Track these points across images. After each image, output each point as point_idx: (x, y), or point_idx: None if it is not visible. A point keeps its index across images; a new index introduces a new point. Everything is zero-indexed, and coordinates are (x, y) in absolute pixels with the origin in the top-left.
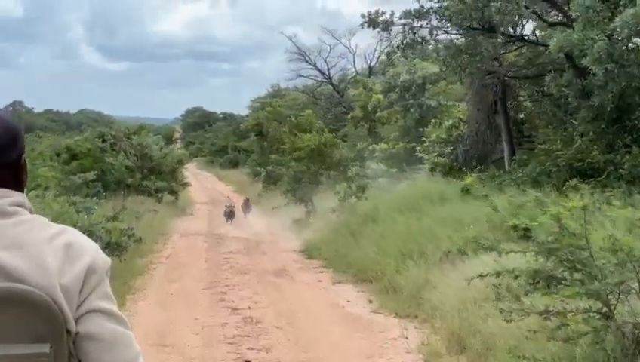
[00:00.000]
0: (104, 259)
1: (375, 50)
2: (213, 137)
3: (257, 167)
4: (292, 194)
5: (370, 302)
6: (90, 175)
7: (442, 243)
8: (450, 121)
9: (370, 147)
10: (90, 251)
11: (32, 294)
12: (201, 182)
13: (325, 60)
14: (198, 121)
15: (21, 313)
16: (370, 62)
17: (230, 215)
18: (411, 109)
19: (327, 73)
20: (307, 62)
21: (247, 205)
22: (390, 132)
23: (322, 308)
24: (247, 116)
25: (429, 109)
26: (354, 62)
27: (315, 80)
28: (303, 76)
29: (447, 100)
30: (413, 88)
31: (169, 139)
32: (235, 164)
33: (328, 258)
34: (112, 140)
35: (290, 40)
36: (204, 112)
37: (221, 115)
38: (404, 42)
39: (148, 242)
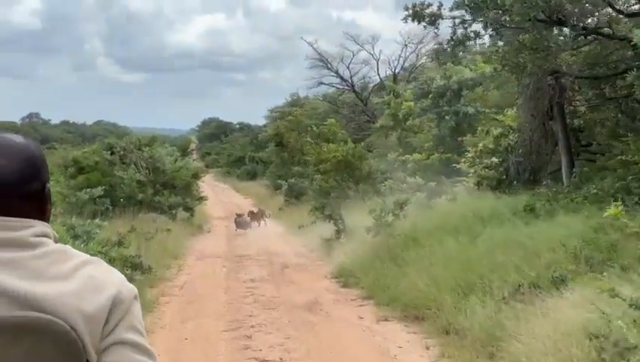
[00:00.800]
0: (129, 289)
1: (400, 57)
2: (229, 148)
3: (278, 179)
4: (321, 211)
5: (428, 348)
6: (98, 190)
7: (509, 274)
8: (499, 130)
9: (402, 158)
10: (115, 282)
11: (52, 323)
12: (218, 194)
13: (348, 67)
14: (215, 132)
15: (40, 342)
16: (395, 69)
17: (240, 224)
18: (446, 117)
19: (349, 80)
20: (329, 68)
21: (256, 215)
22: (423, 141)
23: (370, 357)
24: (264, 126)
25: (465, 117)
26: (377, 69)
27: (337, 87)
28: (324, 84)
29: (484, 108)
30: (447, 94)
31: (184, 151)
32: (252, 176)
33: (367, 287)
34: (122, 152)
35: (311, 46)
36: (220, 123)
37: (237, 126)
38: (454, 38)
39: (159, 268)
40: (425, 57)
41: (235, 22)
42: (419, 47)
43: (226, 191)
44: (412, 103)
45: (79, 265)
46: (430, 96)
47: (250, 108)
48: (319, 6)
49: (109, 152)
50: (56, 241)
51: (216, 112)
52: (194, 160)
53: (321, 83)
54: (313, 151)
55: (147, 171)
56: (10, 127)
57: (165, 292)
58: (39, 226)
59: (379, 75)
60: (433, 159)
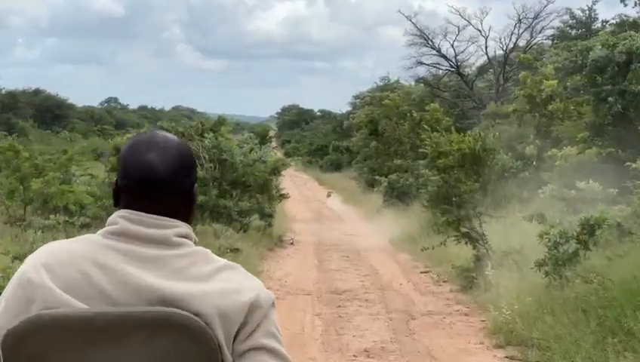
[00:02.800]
0: (268, 294)
1: (512, 34)
2: (310, 136)
3: (371, 173)
4: (456, 226)
5: None
6: None
7: None
8: None
9: (549, 152)
10: (254, 287)
11: (190, 321)
12: (300, 187)
13: (452, 45)
14: (295, 119)
15: (178, 339)
16: (507, 47)
17: None
18: (609, 98)
19: (453, 60)
20: (430, 46)
21: None
22: (573, 131)
23: None
24: (349, 113)
25: (635, 98)
26: (486, 48)
27: (439, 68)
28: (424, 64)
29: None
30: (610, 69)
31: (263, 138)
32: (337, 166)
33: None
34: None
35: (410, 20)
36: (300, 110)
37: (318, 113)
38: None
39: None
40: (540, 36)
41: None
42: (534, 22)
43: (308, 183)
44: (555, 82)
45: (220, 268)
46: (584, 71)
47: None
48: None
49: None
50: (196, 244)
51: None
52: (273, 148)
53: (421, 63)
54: (430, 142)
55: (211, 165)
56: (86, 111)
57: None
58: (183, 227)
59: (487, 54)
60: (589, 154)
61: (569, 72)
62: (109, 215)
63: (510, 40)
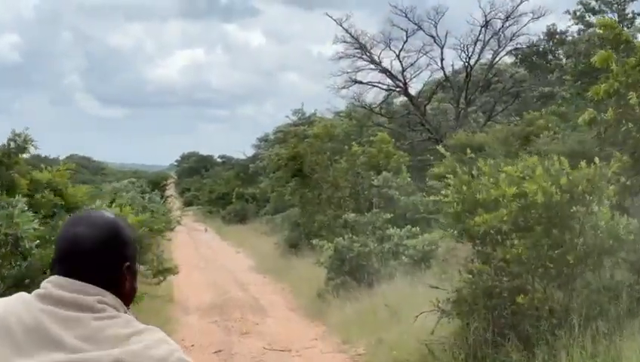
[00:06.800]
0: (180, 358)
1: (477, 41)
2: (211, 183)
3: (295, 229)
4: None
5: None
6: None
7: None
8: None
9: None
10: (165, 348)
11: None
12: (198, 244)
13: (398, 56)
14: (194, 166)
15: None
16: (469, 59)
17: None
18: None
19: (399, 77)
20: (368, 58)
21: None
22: None
23: None
24: (256, 156)
25: None
26: (441, 60)
27: (379, 87)
28: (360, 83)
29: None
30: None
31: (156, 185)
32: (242, 218)
33: None
34: None
35: (340, 25)
36: (200, 156)
37: (219, 159)
38: None
39: None
40: (512, 44)
41: (215, 57)
42: (504, 27)
43: (209, 240)
44: None
45: (138, 331)
46: None
47: (230, 143)
48: (298, 41)
49: None
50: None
51: (197, 148)
52: (168, 197)
53: (355, 81)
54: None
55: None
56: None
57: None
58: (108, 297)
59: (443, 68)
60: None
61: None
62: None
63: (474, 50)
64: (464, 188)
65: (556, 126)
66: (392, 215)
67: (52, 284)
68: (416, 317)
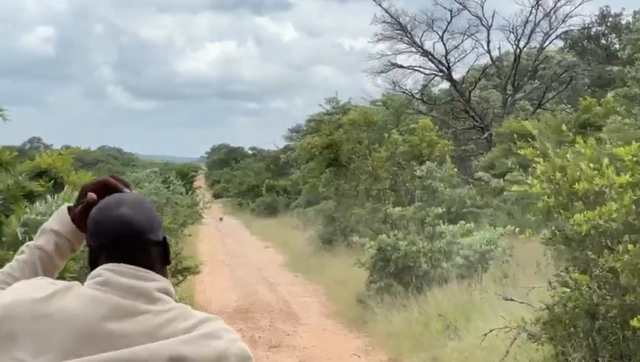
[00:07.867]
0: (241, 349)
1: (527, 22)
2: (241, 175)
3: (330, 223)
4: None
5: None
6: None
7: None
8: None
9: None
10: (226, 338)
11: None
12: (226, 239)
13: (442, 38)
14: (224, 158)
15: None
16: (517, 42)
17: None
18: None
19: (442, 61)
20: (409, 41)
21: None
22: None
23: None
24: (287, 148)
25: None
26: (488, 43)
27: (421, 72)
28: (400, 66)
29: None
30: None
31: (184, 177)
32: (272, 211)
33: None
34: None
35: (379, 4)
36: (230, 148)
37: (249, 151)
38: None
39: None
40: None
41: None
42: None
43: (237, 232)
44: None
45: (198, 322)
46: None
47: (261, 136)
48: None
49: None
50: (176, 301)
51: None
52: (198, 188)
53: (395, 65)
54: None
55: None
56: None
57: None
58: (163, 282)
59: (489, 52)
60: None
61: None
62: None
63: (523, 32)
64: (558, 175)
65: (625, 110)
66: (443, 209)
67: (111, 271)
68: (485, 335)
